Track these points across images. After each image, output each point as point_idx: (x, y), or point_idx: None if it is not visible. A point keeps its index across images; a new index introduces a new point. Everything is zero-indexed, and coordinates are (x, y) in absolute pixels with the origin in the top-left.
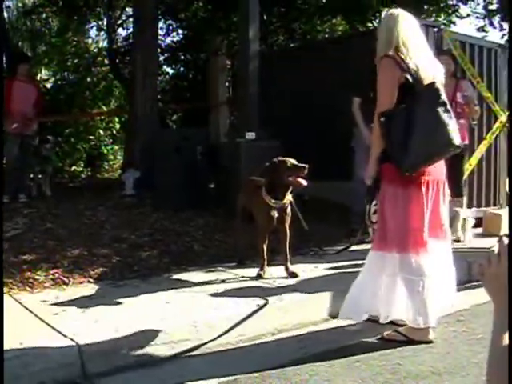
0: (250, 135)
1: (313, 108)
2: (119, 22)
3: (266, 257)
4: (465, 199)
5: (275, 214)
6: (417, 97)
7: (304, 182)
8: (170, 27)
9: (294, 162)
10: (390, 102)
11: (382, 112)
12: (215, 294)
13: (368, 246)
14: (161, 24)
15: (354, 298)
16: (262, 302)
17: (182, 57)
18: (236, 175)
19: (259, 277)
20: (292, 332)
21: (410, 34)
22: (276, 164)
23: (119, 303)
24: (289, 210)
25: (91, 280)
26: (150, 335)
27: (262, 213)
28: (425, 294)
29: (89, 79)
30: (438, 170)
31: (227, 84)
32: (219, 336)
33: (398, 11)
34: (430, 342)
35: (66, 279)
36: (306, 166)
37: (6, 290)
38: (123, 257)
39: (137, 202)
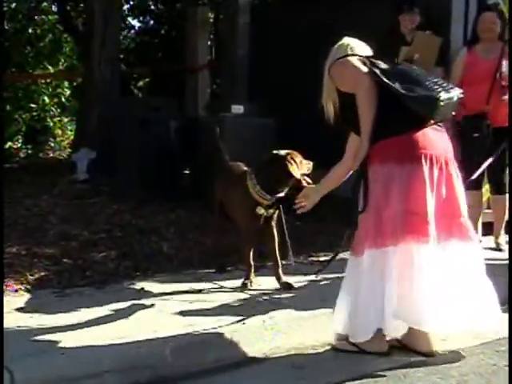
0: (237, 109)
1: (318, 78)
2: None
3: (252, 263)
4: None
5: (262, 211)
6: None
7: (310, 182)
8: None
9: (301, 158)
10: None
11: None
12: (188, 310)
13: None
14: None
15: (359, 314)
16: (248, 319)
17: (153, 6)
18: (218, 159)
19: (244, 287)
20: (286, 359)
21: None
22: (280, 158)
23: (65, 318)
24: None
25: (29, 287)
26: (105, 361)
27: (245, 209)
28: (414, 288)
29: (30, 30)
30: (442, 144)
31: (209, 43)
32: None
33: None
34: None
35: None
36: (311, 163)
37: None
38: (72, 258)
39: (91, 189)
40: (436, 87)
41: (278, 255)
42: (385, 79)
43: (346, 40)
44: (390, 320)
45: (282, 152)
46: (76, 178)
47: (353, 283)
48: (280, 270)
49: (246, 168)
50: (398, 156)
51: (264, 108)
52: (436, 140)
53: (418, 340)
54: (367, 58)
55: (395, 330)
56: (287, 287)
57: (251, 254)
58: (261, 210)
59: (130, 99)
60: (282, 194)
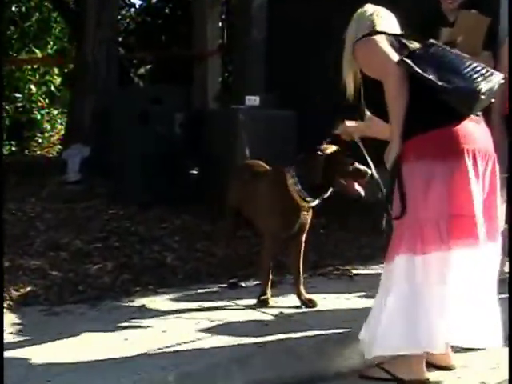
0: (252, 100)
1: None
2: None
3: (271, 276)
4: None
5: (305, 216)
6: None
7: (362, 192)
8: None
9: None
10: None
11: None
12: (195, 331)
13: None
14: None
15: (384, 324)
16: (265, 342)
17: None
18: (230, 157)
19: (261, 304)
20: None
21: None
22: (326, 157)
23: (54, 340)
24: (310, 213)
25: (13, 305)
26: None
27: (276, 213)
28: (445, 303)
29: (14, 8)
30: (483, 138)
31: (220, 24)
32: None
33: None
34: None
35: None
36: (369, 171)
37: None
38: (63, 271)
39: (84, 191)
40: (475, 76)
41: (301, 268)
42: (418, 70)
43: (370, 8)
44: (424, 338)
45: (328, 149)
46: (67, 179)
47: (381, 294)
48: (302, 285)
49: (276, 166)
50: (438, 151)
51: (283, 99)
52: (477, 133)
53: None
54: (396, 36)
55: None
56: (310, 305)
57: (269, 266)
58: (303, 216)
59: (130, 89)
60: (327, 195)
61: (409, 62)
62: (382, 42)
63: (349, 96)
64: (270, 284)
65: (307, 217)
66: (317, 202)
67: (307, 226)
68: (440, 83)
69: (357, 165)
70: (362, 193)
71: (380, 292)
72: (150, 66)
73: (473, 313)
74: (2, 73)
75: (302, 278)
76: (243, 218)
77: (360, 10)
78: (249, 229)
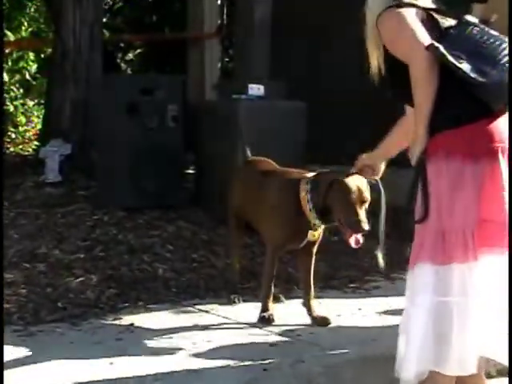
0: (256, 89)
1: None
2: None
3: (273, 289)
4: None
5: (312, 233)
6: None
7: (354, 245)
8: None
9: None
10: None
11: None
12: (191, 353)
13: None
14: None
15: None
16: (270, 365)
17: None
18: (231, 155)
19: (264, 322)
20: None
21: None
22: (329, 185)
23: (30, 365)
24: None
25: None
26: None
27: (288, 226)
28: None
29: None
30: (505, 134)
31: (219, 2)
32: None
33: None
34: None
35: None
36: (367, 226)
37: None
38: (40, 285)
39: (65, 194)
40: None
41: (311, 281)
42: (451, 58)
43: None
44: (453, 358)
45: (348, 178)
46: (45, 180)
47: (406, 304)
48: (313, 301)
49: (289, 172)
50: (470, 149)
51: (291, 88)
52: (507, 130)
53: None
54: (427, 11)
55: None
56: (322, 323)
57: (272, 278)
58: (310, 232)
59: (116, 77)
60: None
61: (440, 47)
62: (411, 16)
63: (375, 78)
64: (271, 298)
65: (318, 233)
66: (323, 226)
67: (316, 243)
68: (473, 75)
69: (360, 214)
70: (354, 246)
71: (405, 302)
72: (139, 51)
73: (500, 325)
74: (2, 71)
75: (313, 293)
76: (247, 223)
77: None
78: (251, 236)
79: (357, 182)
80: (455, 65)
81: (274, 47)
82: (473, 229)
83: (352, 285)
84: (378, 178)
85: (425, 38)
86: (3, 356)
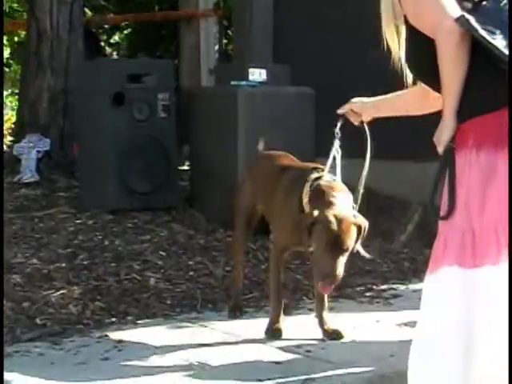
0: (257, 74)
1: (372, 31)
2: None
3: (281, 299)
4: None
5: None
6: None
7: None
8: None
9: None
10: None
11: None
12: (187, 374)
13: None
14: None
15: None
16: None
17: None
18: (230, 148)
19: (271, 336)
20: None
21: None
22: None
23: None
24: None
25: None
26: None
27: (291, 226)
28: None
29: None
30: None
31: None
32: None
33: None
34: None
35: None
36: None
37: None
38: (15, 300)
39: (43, 196)
40: None
41: None
42: (483, 33)
43: None
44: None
45: (333, 217)
46: (20, 180)
47: (426, 315)
48: (325, 312)
49: (301, 168)
50: (503, 138)
51: (296, 72)
52: None
53: None
54: None
55: None
56: (335, 336)
57: (279, 285)
58: None
59: (100, 62)
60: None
61: (471, 20)
62: None
63: (394, 58)
64: (281, 308)
65: None
66: None
67: None
68: (507, 53)
69: (334, 267)
70: (323, 292)
71: (421, 313)
72: (126, 32)
73: None
74: (3, 71)
75: (325, 303)
76: (259, 225)
77: None
78: (255, 240)
79: (341, 226)
80: (488, 40)
81: (278, 27)
82: (506, 226)
83: (369, 294)
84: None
85: (454, 8)
86: (3, 355)
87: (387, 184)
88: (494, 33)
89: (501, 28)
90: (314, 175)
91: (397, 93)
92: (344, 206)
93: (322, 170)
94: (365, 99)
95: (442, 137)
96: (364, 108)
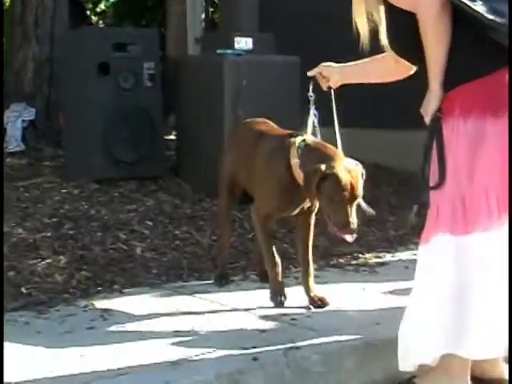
0: (243, 43)
1: None
2: None
3: (279, 262)
4: None
5: (303, 202)
6: None
7: (350, 240)
8: None
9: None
10: None
11: None
12: (173, 342)
13: None
14: None
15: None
16: (262, 353)
17: None
18: (216, 117)
19: (277, 303)
20: None
21: None
22: (321, 179)
23: None
24: None
25: None
26: None
27: (277, 193)
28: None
29: None
30: None
31: None
32: None
33: None
34: None
35: None
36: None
37: None
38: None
39: (29, 165)
40: None
41: (310, 257)
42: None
43: None
44: (475, 340)
45: (340, 169)
46: (5, 149)
47: (418, 284)
48: (312, 280)
49: (283, 134)
50: (491, 104)
51: (283, 40)
52: None
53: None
54: None
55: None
56: (320, 304)
57: (272, 250)
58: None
59: (85, 31)
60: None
61: None
62: None
63: (363, 43)
64: (279, 272)
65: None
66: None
67: (315, 209)
68: (490, 17)
69: (350, 215)
70: (350, 240)
71: (416, 282)
72: (112, 1)
73: None
74: (3, 74)
75: (312, 270)
76: (241, 195)
77: None
78: (242, 209)
79: (351, 175)
80: (469, 6)
81: None
82: (497, 191)
83: (355, 262)
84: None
85: None
86: (3, 351)
87: (369, 152)
88: (474, 0)
89: None
90: (299, 138)
91: (367, 59)
92: (343, 157)
93: (302, 135)
94: (334, 64)
95: (429, 107)
96: (331, 73)
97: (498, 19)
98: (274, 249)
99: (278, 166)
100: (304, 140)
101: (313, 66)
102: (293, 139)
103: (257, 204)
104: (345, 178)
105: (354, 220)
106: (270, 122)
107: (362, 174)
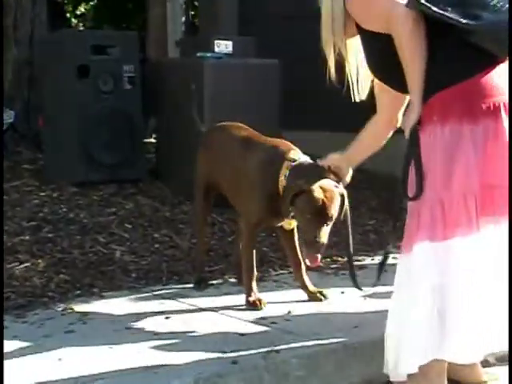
0: (223, 46)
1: None
2: None
3: (255, 270)
4: None
5: (288, 221)
6: None
7: (310, 264)
8: None
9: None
10: None
11: None
12: (152, 346)
13: None
14: None
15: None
16: (242, 357)
17: None
18: (195, 121)
19: (251, 306)
20: None
21: None
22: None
23: None
24: None
25: None
26: None
27: (267, 202)
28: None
29: None
30: (506, 85)
31: None
32: None
33: None
34: None
35: None
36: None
37: None
38: None
39: (7, 168)
40: (507, 5)
41: (299, 256)
42: (435, 9)
43: None
44: (456, 344)
45: (317, 188)
46: None
47: (400, 293)
48: (305, 276)
49: (276, 144)
50: (469, 108)
51: (263, 44)
52: (504, 79)
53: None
54: None
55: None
56: (320, 297)
57: (253, 257)
58: (289, 223)
59: (65, 33)
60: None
61: (421, 0)
62: None
63: (331, 75)
64: (254, 280)
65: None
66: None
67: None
68: (464, 21)
69: (319, 235)
70: (310, 265)
71: (398, 291)
72: (92, 3)
73: (502, 305)
74: (2, 74)
75: (302, 267)
76: (217, 198)
77: None
78: (221, 212)
79: (325, 194)
80: (443, 14)
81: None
82: (475, 195)
83: (334, 265)
84: (342, 183)
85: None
86: (3, 352)
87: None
88: (445, 9)
89: (451, 5)
90: (292, 155)
91: (362, 134)
92: (325, 178)
93: (291, 149)
94: (336, 155)
95: (409, 120)
96: (339, 164)
97: (473, 22)
98: (254, 257)
99: (267, 180)
100: (295, 160)
101: (293, 69)
102: (285, 155)
103: (243, 211)
104: (317, 196)
105: (321, 239)
106: (246, 127)
107: (343, 197)
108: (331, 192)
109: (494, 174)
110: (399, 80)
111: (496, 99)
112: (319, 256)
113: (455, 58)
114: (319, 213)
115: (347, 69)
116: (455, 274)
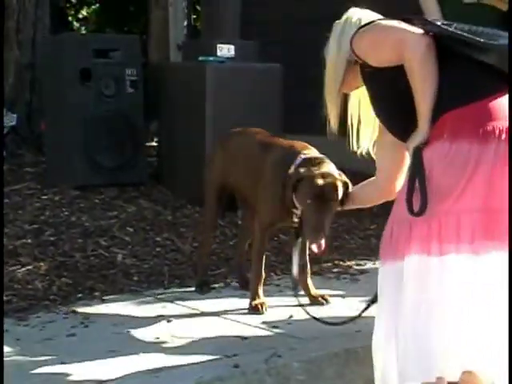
0: (225, 50)
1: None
2: None
3: (263, 274)
4: None
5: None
6: None
7: (315, 250)
8: None
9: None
10: None
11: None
12: (154, 351)
13: None
14: None
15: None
16: (245, 361)
17: None
18: (198, 124)
19: (253, 310)
20: None
21: None
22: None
23: None
24: None
25: None
26: None
27: (276, 199)
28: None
29: None
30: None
31: None
32: None
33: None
34: None
35: None
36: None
37: None
38: None
39: (9, 171)
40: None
41: (307, 258)
42: (453, 29)
43: (355, 13)
44: (448, 357)
45: (317, 176)
46: None
47: (388, 304)
48: (309, 279)
49: (291, 145)
50: (480, 129)
51: (265, 48)
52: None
53: None
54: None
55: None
56: (321, 301)
57: (263, 260)
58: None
59: (67, 37)
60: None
61: (438, 23)
62: (391, 21)
63: (333, 126)
64: (262, 284)
65: None
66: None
67: None
68: (482, 40)
69: (319, 222)
70: (316, 251)
71: (384, 301)
72: (93, 7)
73: (497, 329)
74: (3, 75)
75: (308, 270)
76: (229, 202)
77: (343, 18)
78: (223, 216)
79: (325, 180)
80: (461, 34)
81: (246, 3)
82: (475, 217)
83: (336, 270)
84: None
85: (411, 27)
86: (3, 355)
87: (351, 160)
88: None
89: (464, 32)
90: (305, 151)
91: (366, 184)
92: (329, 168)
93: (306, 148)
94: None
95: (414, 141)
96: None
97: (489, 41)
98: (263, 262)
99: (278, 179)
100: (305, 154)
101: (296, 73)
102: (300, 153)
103: (259, 214)
104: (317, 181)
105: (321, 225)
106: (266, 132)
107: (346, 185)
108: (332, 178)
109: (503, 199)
110: (405, 126)
111: (506, 122)
112: (323, 242)
113: (467, 80)
114: (320, 198)
115: (349, 120)
116: (447, 289)
